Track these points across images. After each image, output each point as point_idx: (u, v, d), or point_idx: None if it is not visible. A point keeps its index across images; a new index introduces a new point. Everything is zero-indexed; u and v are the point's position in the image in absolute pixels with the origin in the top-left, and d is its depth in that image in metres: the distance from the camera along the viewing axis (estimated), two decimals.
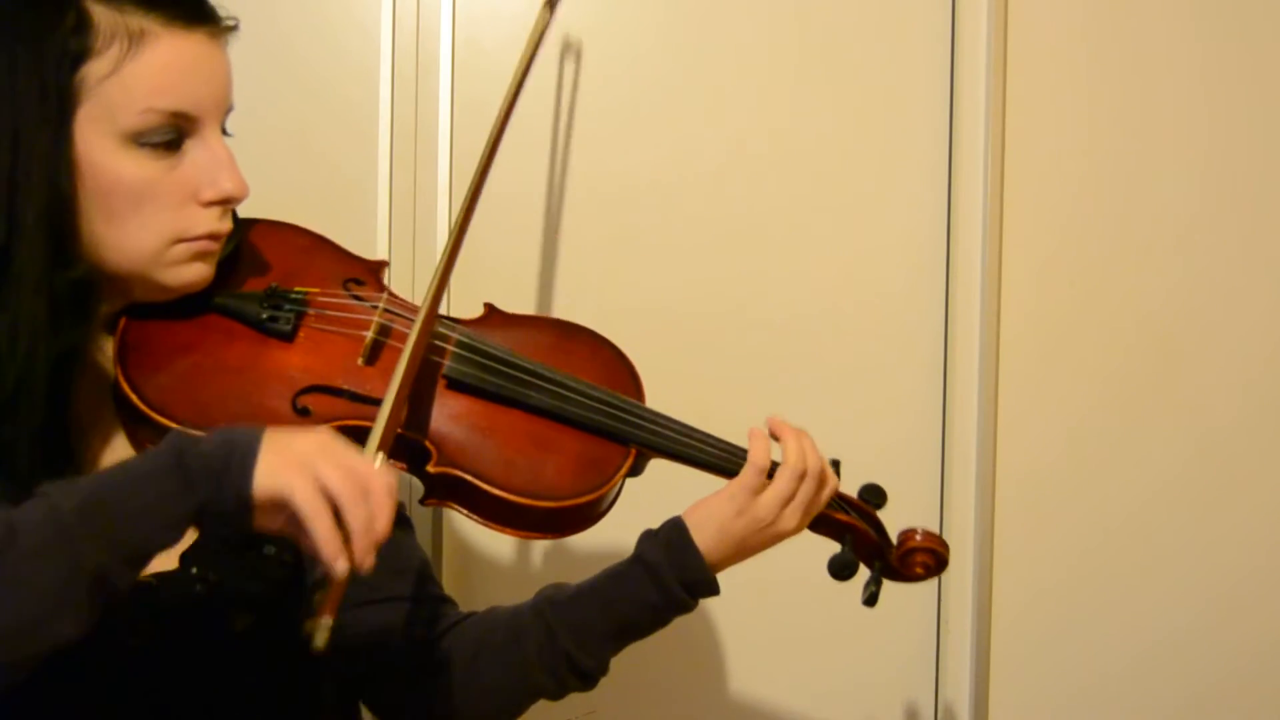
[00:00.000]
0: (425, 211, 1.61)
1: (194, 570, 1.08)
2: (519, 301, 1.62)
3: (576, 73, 1.65)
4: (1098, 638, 1.76)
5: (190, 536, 1.05)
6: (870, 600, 1.21)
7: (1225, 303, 1.76)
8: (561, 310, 1.63)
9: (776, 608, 1.70)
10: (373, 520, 0.90)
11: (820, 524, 1.21)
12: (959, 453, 1.71)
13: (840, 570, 1.20)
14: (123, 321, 1.09)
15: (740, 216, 1.69)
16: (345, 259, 1.23)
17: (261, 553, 1.12)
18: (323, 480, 0.89)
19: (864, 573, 1.23)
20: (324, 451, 0.91)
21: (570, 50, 1.65)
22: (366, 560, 0.90)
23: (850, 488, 1.24)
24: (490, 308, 1.26)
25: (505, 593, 1.22)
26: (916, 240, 1.72)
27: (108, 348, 1.09)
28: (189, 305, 1.11)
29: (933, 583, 1.72)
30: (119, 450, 1.10)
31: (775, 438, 1.19)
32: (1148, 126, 1.74)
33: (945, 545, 1.25)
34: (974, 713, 1.74)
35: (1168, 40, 1.74)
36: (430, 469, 1.09)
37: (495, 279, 1.62)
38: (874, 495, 1.25)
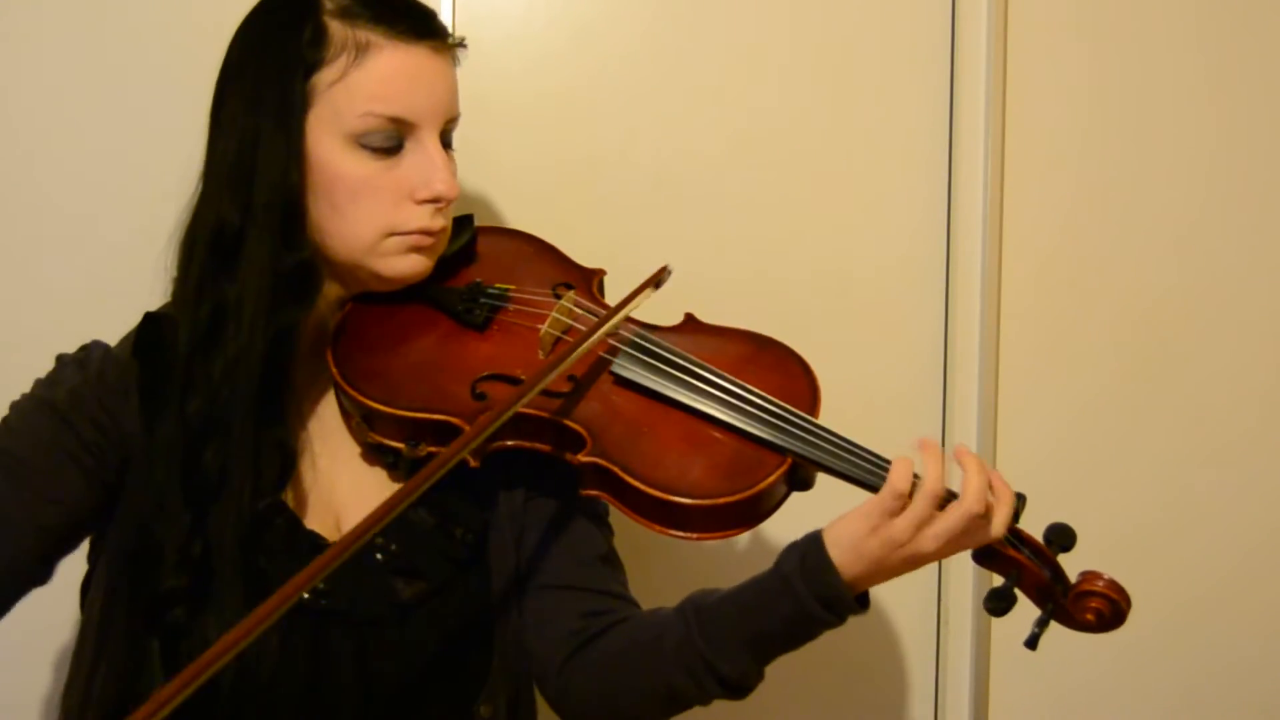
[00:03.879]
0: None
1: (378, 539, 1.16)
2: None
3: (580, 68, 1.66)
4: (1098, 637, 1.76)
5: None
6: (1031, 642, 1.13)
7: (1224, 301, 1.77)
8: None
9: None
10: None
11: (987, 557, 1.15)
12: None
13: (995, 604, 1.11)
14: (349, 305, 1.22)
15: (738, 217, 1.69)
16: (563, 265, 1.32)
17: (449, 533, 1.19)
18: None
19: (1020, 606, 1.14)
20: None
21: (575, 43, 1.66)
22: None
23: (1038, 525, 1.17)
24: (689, 317, 1.29)
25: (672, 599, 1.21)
26: (916, 239, 1.72)
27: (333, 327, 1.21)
28: (405, 296, 1.22)
29: (933, 581, 1.72)
30: (328, 418, 1.23)
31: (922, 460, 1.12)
32: (1147, 126, 1.74)
33: (1128, 600, 1.14)
34: (974, 713, 1.74)
35: (1167, 40, 1.74)
36: (582, 457, 1.13)
37: None
38: (1060, 536, 1.15)
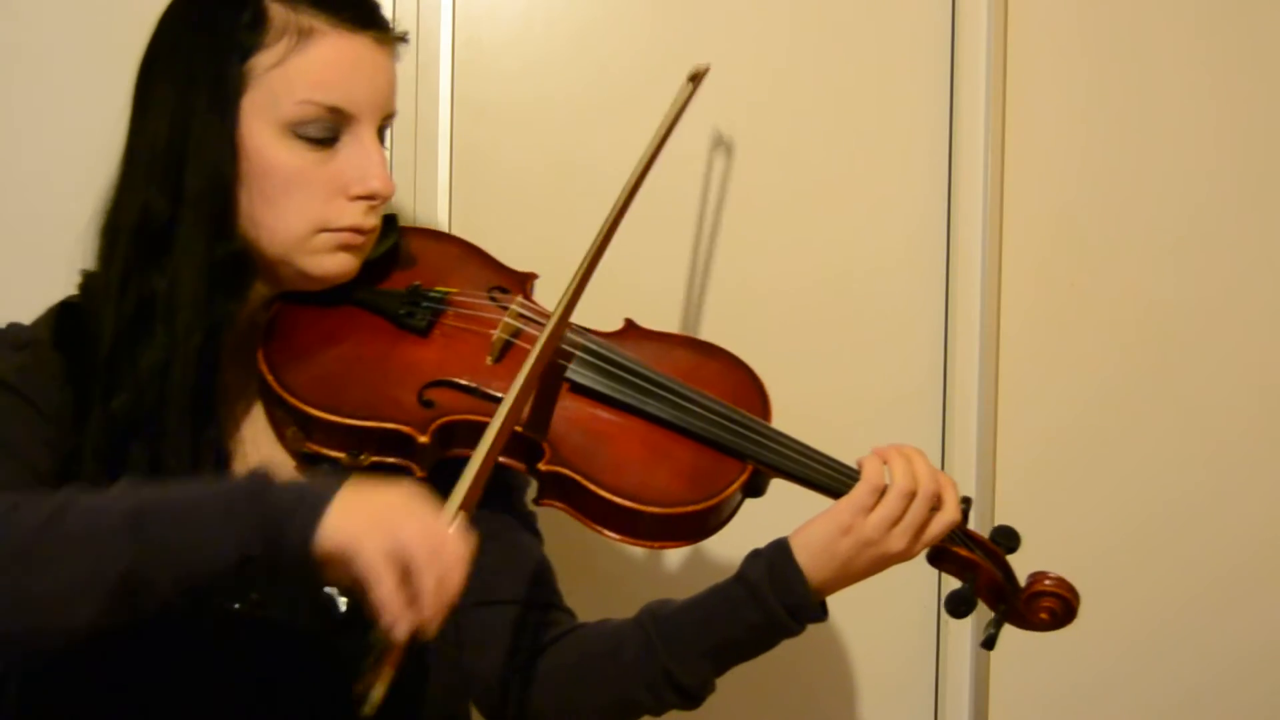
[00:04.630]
0: (425, 211, 1.61)
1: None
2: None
3: (579, 69, 1.66)
4: (1098, 636, 1.76)
5: None
6: (988, 643, 1.17)
7: (1224, 301, 1.76)
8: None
9: None
10: (442, 584, 0.90)
11: (943, 559, 1.17)
12: (959, 451, 1.71)
13: (957, 607, 1.15)
14: (276, 306, 1.16)
15: (738, 217, 1.68)
16: (495, 268, 1.28)
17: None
18: (395, 539, 0.89)
19: (981, 611, 1.18)
20: (400, 509, 0.91)
21: (574, 44, 1.66)
22: (432, 625, 0.90)
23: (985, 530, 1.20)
24: (629, 323, 1.27)
25: (620, 610, 1.21)
26: (916, 239, 1.72)
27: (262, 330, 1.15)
28: (337, 297, 1.17)
29: (932, 580, 1.72)
30: (258, 423, 1.16)
31: (884, 463, 1.14)
32: (1147, 126, 1.74)
33: (1076, 595, 1.18)
34: (974, 713, 1.74)
35: (1167, 39, 1.74)
36: (542, 466, 1.10)
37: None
38: (1005, 537, 1.18)
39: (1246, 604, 1.78)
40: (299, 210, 1.10)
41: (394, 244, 1.22)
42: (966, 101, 1.69)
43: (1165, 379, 1.76)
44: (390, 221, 1.22)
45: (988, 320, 1.70)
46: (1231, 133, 1.75)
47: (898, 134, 1.71)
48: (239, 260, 1.10)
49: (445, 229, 1.61)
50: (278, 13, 1.09)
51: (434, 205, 1.61)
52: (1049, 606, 1.17)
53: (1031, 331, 1.73)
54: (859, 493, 1.11)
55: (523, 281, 1.27)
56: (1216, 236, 1.76)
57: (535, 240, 1.64)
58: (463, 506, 0.96)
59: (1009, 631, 1.72)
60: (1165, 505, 1.76)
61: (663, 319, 1.65)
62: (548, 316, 1.19)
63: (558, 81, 1.65)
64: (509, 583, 1.20)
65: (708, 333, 1.67)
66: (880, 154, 1.71)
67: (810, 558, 1.10)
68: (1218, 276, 1.76)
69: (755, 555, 1.14)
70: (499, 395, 1.12)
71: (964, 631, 1.73)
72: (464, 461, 1.12)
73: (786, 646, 1.71)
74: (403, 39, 1.18)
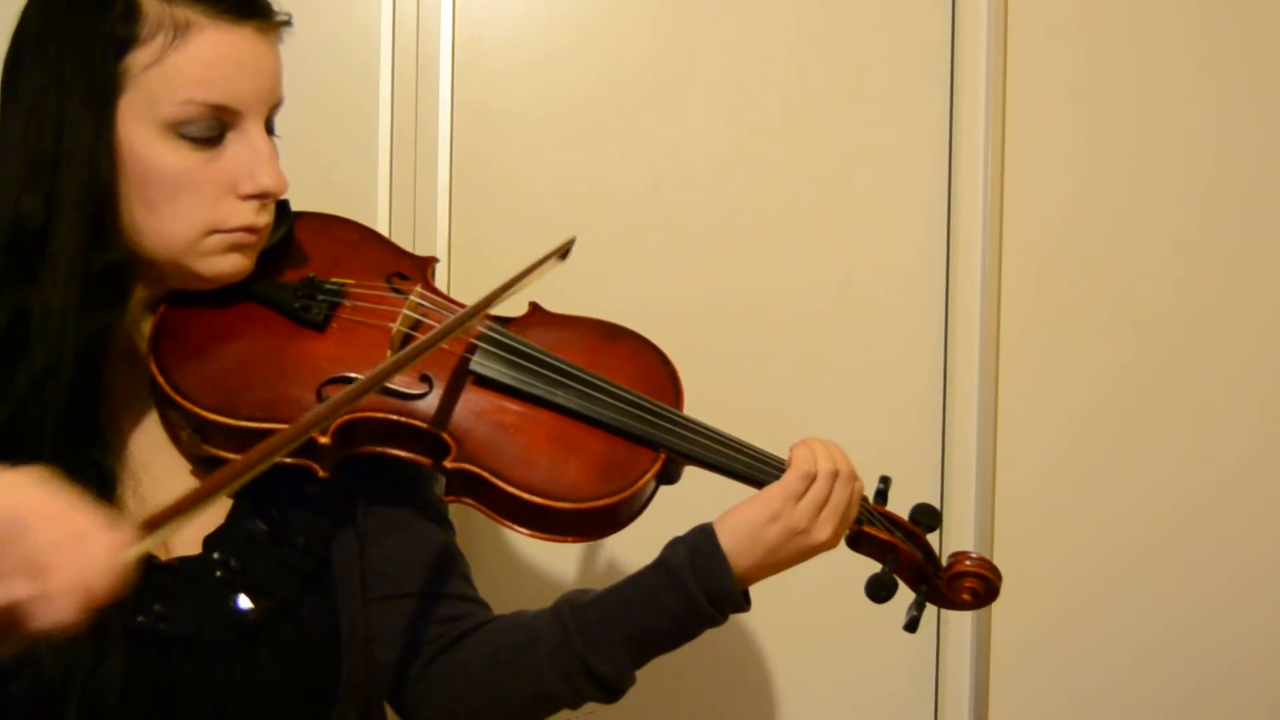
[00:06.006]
0: (425, 211, 1.61)
1: (216, 555, 1.09)
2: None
3: (579, 71, 1.66)
4: (1098, 638, 1.76)
5: (215, 521, 1.09)
6: (911, 626, 1.15)
7: (1225, 303, 1.76)
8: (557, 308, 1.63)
9: (774, 607, 1.69)
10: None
11: (862, 542, 1.15)
12: (959, 453, 1.71)
13: (878, 591, 1.13)
14: (163, 308, 1.10)
15: (739, 218, 1.68)
16: (393, 253, 1.23)
17: (291, 544, 1.11)
18: None
19: (904, 595, 1.16)
20: None
21: (575, 45, 1.65)
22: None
23: (903, 510, 1.19)
24: (534, 306, 1.23)
25: (535, 602, 1.19)
26: (916, 240, 1.72)
27: (149, 332, 1.10)
28: (228, 294, 1.11)
29: None
30: (149, 431, 1.11)
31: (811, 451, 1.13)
32: (1148, 126, 1.74)
33: (998, 573, 1.16)
34: (974, 713, 1.74)
35: (1167, 40, 1.74)
36: (448, 464, 1.07)
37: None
38: (926, 516, 1.17)
39: (1247, 608, 1.78)
40: (187, 214, 1.05)
41: (287, 232, 1.17)
42: (966, 104, 1.69)
43: (1165, 382, 1.76)
44: (283, 208, 1.16)
45: (988, 323, 1.70)
46: (1232, 135, 1.75)
47: (898, 137, 1.71)
48: (117, 270, 1.05)
49: (445, 231, 1.61)
50: (151, 5, 1.03)
51: (434, 207, 1.61)
52: (971, 587, 1.16)
53: (1032, 335, 1.73)
54: (790, 479, 1.09)
55: (423, 267, 1.22)
56: (1217, 239, 1.76)
57: (535, 241, 1.63)
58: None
59: (1010, 634, 1.75)
60: (1166, 509, 1.76)
61: (662, 326, 1.65)
62: (448, 305, 1.16)
63: (558, 83, 1.65)
64: (417, 575, 1.17)
65: (708, 340, 1.67)
66: (880, 157, 1.71)
67: (735, 543, 1.08)
68: (1218, 279, 1.76)
69: (677, 541, 1.12)
70: (402, 391, 1.09)
71: (964, 632, 1.73)
72: (370, 458, 1.10)
73: (786, 646, 1.73)
74: (286, 23, 1.12)
